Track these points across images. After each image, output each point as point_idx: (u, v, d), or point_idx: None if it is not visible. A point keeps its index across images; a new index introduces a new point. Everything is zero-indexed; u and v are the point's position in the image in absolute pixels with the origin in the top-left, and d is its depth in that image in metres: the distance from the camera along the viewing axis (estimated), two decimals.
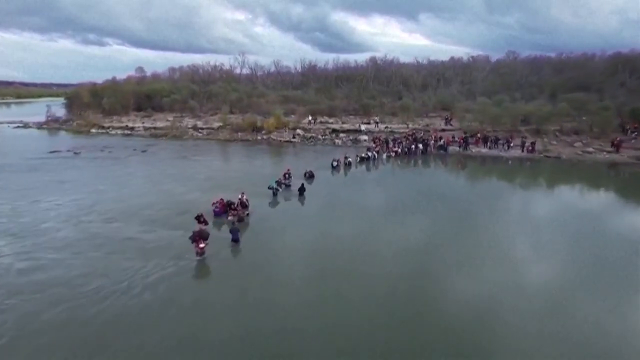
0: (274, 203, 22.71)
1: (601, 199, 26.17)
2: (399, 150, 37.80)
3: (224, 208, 19.98)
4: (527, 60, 67.73)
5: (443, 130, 45.73)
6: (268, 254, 16.17)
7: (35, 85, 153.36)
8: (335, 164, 31.19)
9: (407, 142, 39.49)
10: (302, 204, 23.25)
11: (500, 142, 40.13)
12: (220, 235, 17.73)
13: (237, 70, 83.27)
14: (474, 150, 39.63)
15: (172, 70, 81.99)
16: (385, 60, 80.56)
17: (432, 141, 40.24)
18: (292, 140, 45.75)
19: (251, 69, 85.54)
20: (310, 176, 27.72)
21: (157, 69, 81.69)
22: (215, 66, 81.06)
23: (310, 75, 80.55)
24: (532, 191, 27.69)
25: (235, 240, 17.02)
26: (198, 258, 15.34)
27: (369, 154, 34.92)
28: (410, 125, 47.72)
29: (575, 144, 39.96)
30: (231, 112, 57.59)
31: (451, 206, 22.66)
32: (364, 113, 55.56)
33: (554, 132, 42.64)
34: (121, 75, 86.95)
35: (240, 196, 20.37)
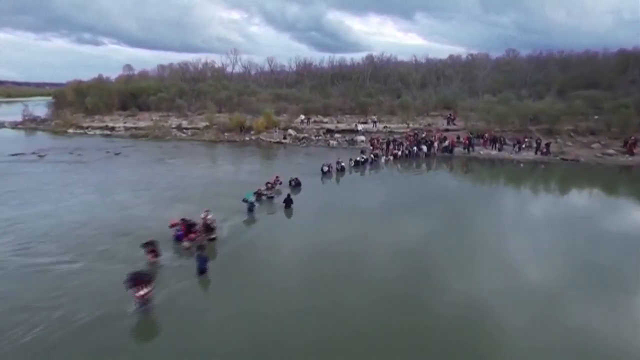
0: (249, 221, 18.03)
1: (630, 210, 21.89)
2: (399, 153, 33.30)
3: (187, 230, 15.37)
4: (531, 57, 63.12)
5: (446, 130, 41.22)
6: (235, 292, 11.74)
7: (28, 84, 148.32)
8: (325, 169, 26.73)
9: (409, 143, 34.88)
10: (285, 220, 18.78)
11: (510, 143, 35.67)
12: (180, 265, 13.30)
13: (229, 69, 78.76)
14: (482, 153, 35.12)
15: (162, 68, 77.08)
16: (382, 59, 76.17)
17: (436, 142, 35.72)
18: (283, 141, 41.18)
19: (244, 67, 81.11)
20: (296, 184, 23.19)
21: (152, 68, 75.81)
22: (206, 64, 76.36)
23: (305, 74, 76.21)
24: (555, 202, 23.31)
25: (202, 271, 12.83)
26: (138, 309, 10.79)
27: (364, 157, 30.42)
28: (411, 125, 43.18)
29: (593, 145, 35.52)
30: (220, 111, 53.09)
31: (476, 235, 18.08)
32: (360, 112, 51.03)
33: (567, 132, 38.18)
34: (116, 75, 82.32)
35: (203, 215, 15.77)
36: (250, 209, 18.36)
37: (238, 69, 80.00)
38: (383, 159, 31.63)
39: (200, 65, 76.06)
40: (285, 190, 21.77)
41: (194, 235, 14.94)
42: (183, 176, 26.69)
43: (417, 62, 75.39)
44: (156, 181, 25.14)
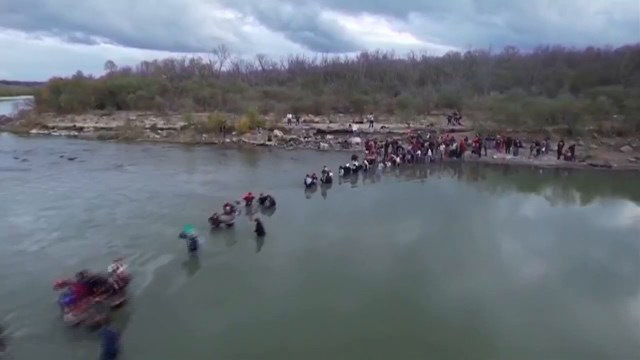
0: (191, 267, 12.22)
1: None
2: (399, 159, 27.45)
3: (86, 291, 9.56)
4: (537, 52, 57.45)
5: (452, 130, 35.56)
6: None
7: (18, 83, 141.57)
8: (309, 181, 20.97)
9: (412, 146, 29.11)
10: (245, 264, 12.91)
11: (526, 146, 30.08)
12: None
13: (217, 66, 72.88)
14: (495, 157, 29.47)
15: (146, 64, 70.98)
16: (378, 56, 70.52)
17: (443, 145, 30.06)
18: (268, 143, 35.44)
19: (234, 64, 75.23)
20: (270, 204, 17.43)
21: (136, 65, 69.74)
22: (193, 60, 70.40)
23: (297, 71, 70.51)
24: (598, 224, 17.67)
25: (111, 355, 7.84)
26: None
27: (357, 163, 24.70)
28: (412, 125, 37.45)
29: (622, 148, 30.00)
30: (203, 110, 47.21)
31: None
32: (355, 111, 45.24)
33: (590, 133, 32.61)
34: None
35: (112, 267, 10.00)
36: (193, 246, 12.41)
37: (227, 66, 74.35)
38: (380, 165, 25.85)
39: (186, 62, 70.31)
40: (259, 209, 16.08)
41: (92, 299, 9.19)
42: (129, 188, 21.00)
43: (414, 59, 69.90)
44: (87, 195, 19.49)
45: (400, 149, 28.70)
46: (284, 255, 13.01)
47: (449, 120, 38.74)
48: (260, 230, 14.20)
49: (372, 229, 15.46)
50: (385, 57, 71.30)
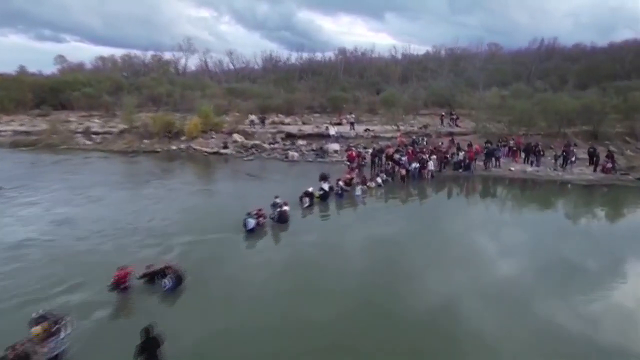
0: None
1: None
2: (381, 180, 18.95)
3: None
4: (531, 47, 50.43)
5: (451, 134, 27.84)
6: None
7: None
8: (251, 224, 12.33)
9: (408, 157, 20.92)
10: None
11: (548, 154, 22.61)
12: None
13: (183, 62, 63.86)
14: (512, 169, 21.79)
15: (102, 60, 61.14)
16: (356, 53, 62.63)
17: (449, 154, 22.26)
18: (223, 151, 27.00)
19: (201, 60, 66.18)
20: (173, 283, 8.99)
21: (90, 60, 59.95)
22: (154, 56, 61.02)
23: (271, 69, 62.13)
24: None
25: None
26: None
27: (325, 187, 16.24)
28: (402, 127, 29.55)
29: None
30: (158, 111, 38.49)
31: None
32: (333, 110, 37.16)
33: (620, 136, 25.38)
34: None
35: None
36: None
37: (195, 63, 65.51)
38: (359, 189, 16.98)
39: (147, 58, 60.93)
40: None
41: None
42: None
43: (394, 57, 62.24)
44: None
45: (389, 163, 20.50)
46: None
47: (442, 121, 31.02)
48: (146, 347, 6.09)
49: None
50: (364, 54, 63.71)
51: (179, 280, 8.92)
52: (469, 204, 17.68)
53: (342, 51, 63.35)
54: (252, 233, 12.14)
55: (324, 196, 15.59)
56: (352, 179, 17.50)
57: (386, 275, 10.24)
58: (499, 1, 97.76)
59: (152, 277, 9.00)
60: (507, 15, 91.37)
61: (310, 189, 15.31)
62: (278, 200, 13.45)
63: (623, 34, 73.78)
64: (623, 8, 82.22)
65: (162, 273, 8.94)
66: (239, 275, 10.05)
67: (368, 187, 17.49)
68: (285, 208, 13.20)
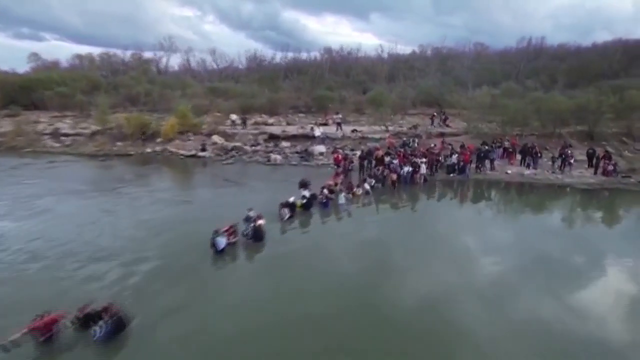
0: None
1: None
2: (369, 186, 16.98)
3: None
4: (520, 47, 49.34)
5: (441, 134, 26.31)
6: None
7: None
8: (222, 243, 10.34)
9: (400, 160, 19.17)
10: None
11: (544, 156, 21.20)
12: None
13: (165, 61, 61.38)
14: (510, 172, 20.30)
15: (79, 58, 58.14)
16: (342, 53, 60.95)
17: (442, 156, 20.65)
18: (201, 154, 24.99)
19: (184, 59, 63.79)
20: (114, 328, 6.98)
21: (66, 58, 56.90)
22: (134, 54, 58.35)
23: (256, 68, 60.06)
24: None
25: None
26: None
27: (306, 194, 14.34)
28: (391, 128, 27.91)
29: None
30: (137, 112, 36.22)
31: None
32: (318, 110, 35.35)
33: (618, 137, 24.17)
34: None
35: None
36: None
37: (176, 62, 63.16)
38: (343, 197, 14.78)
39: (127, 57, 58.23)
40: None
41: None
42: None
43: (381, 56, 60.70)
44: None
45: (379, 168, 18.68)
46: None
47: (433, 121, 29.50)
48: None
49: None
50: (350, 53, 62.05)
51: (119, 325, 6.97)
52: (469, 214, 15.90)
53: (328, 50, 61.70)
54: (222, 254, 10.25)
55: (307, 205, 13.74)
56: (335, 184, 15.68)
57: (377, 324, 8.45)
58: (483, 2, 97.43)
59: (86, 321, 7.04)
60: (491, 16, 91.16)
61: (292, 199, 13.44)
62: (252, 213, 11.46)
63: (601, 36, 73.88)
64: (599, 10, 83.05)
65: (99, 316, 6.99)
66: (203, 318, 8.04)
67: (354, 194, 15.64)
68: (261, 222, 11.28)
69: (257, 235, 11.02)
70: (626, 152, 22.66)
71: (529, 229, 13.85)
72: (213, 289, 9.09)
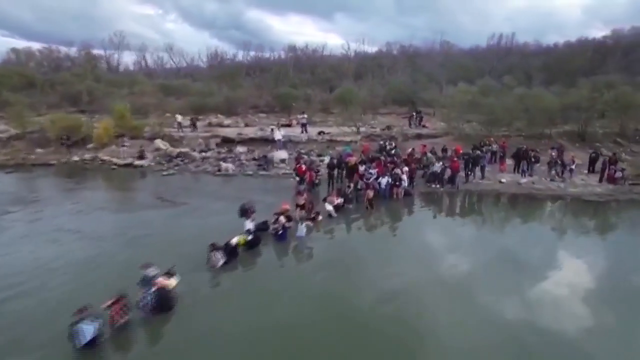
0: None
1: None
2: (342, 202, 13.14)
3: None
4: (491, 43, 47.07)
5: (419, 136, 22.84)
6: None
7: None
8: (89, 333, 5.86)
9: (378, 170, 15.21)
10: None
11: (540, 161, 17.96)
12: None
13: (115, 58, 55.52)
14: (503, 181, 16.91)
15: (15, 53, 51.09)
16: (307, 51, 57.15)
17: (422, 164, 17.06)
18: (138, 163, 20.32)
19: (138, 56, 58.26)
20: None
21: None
22: (82, 50, 52.05)
23: (217, 66, 55.29)
24: None
25: None
26: None
27: (251, 226, 9.87)
28: (362, 129, 24.13)
29: None
30: (77, 112, 30.95)
31: None
32: (281, 110, 31.25)
33: (612, 137, 21.46)
34: None
35: None
36: None
37: (131, 60, 57.55)
38: (303, 227, 10.47)
39: (73, 52, 51.89)
40: None
41: None
42: None
43: (347, 54, 57.17)
44: None
45: (351, 185, 14.49)
46: None
47: (410, 122, 26.07)
48: None
49: None
50: (315, 51, 58.30)
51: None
52: (477, 249, 11.87)
53: (292, 49, 57.91)
54: (92, 348, 6.00)
55: (253, 242, 9.61)
56: (297, 207, 11.61)
57: None
58: (444, 3, 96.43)
59: None
60: (452, 18, 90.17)
61: (235, 239, 9.21)
62: (151, 271, 6.94)
63: (554, 39, 73.97)
64: (551, 15, 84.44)
65: None
66: None
67: (314, 221, 11.33)
68: (168, 282, 6.98)
69: (164, 304, 6.79)
70: (623, 154, 19.88)
71: (567, 273, 10.00)
72: None
